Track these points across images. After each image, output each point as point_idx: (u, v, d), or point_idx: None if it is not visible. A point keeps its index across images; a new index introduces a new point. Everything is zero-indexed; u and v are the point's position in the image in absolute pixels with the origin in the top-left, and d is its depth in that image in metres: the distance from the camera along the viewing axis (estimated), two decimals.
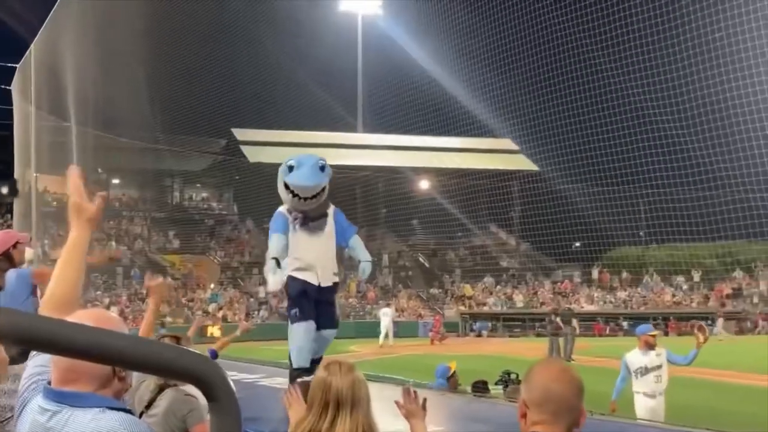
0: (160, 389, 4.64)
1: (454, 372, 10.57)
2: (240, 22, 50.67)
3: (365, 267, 7.55)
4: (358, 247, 7.78)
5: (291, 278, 7.32)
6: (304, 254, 7.39)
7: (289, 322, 7.58)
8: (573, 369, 2.47)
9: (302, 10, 50.38)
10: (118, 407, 2.08)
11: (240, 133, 49.09)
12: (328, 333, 7.59)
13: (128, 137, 45.90)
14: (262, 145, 47.49)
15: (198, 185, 57.33)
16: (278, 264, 7.21)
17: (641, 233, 49.23)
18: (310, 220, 7.55)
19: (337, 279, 7.54)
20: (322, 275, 7.37)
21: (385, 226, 50.83)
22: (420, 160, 47.02)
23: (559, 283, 47.08)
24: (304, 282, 7.31)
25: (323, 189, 7.53)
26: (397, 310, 42.17)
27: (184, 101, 46.74)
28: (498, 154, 51.01)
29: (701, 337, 8.77)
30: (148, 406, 4.60)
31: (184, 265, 45.72)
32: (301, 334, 7.34)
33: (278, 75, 50.14)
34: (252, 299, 42.93)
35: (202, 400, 4.77)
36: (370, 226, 50.01)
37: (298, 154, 8.10)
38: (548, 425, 2.27)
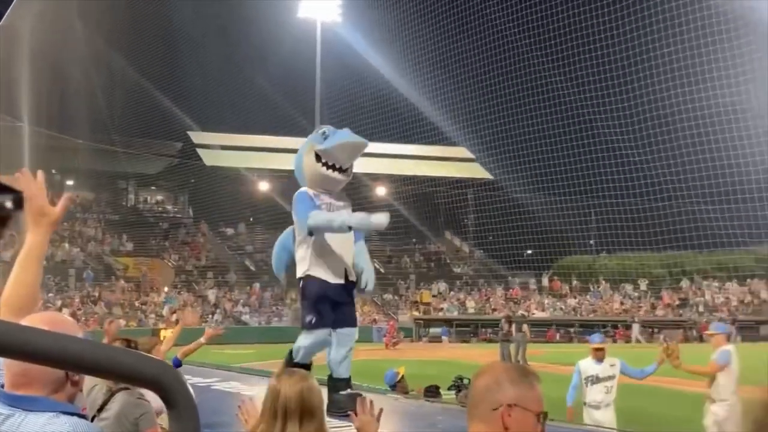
0: (112, 393, 4.57)
1: (402, 377, 10.59)
2: (198, 26, 50.31)
3: (370, 277, 6.90)
4: (364, 252, 7.03)
5: (309, 278, 6.73)
6: (326, 247, 6.72)
7: (303, 327, 6.94)
8: (501, 364, 2.40)
9: (261, 15, 50.13)
10: (72, 412, 2.05)
11: (196, 137, 48.65)
12: (349, 331, 6.97)
13: (83, 138, 45.19)
14: (219, 149, 47.13)
15: (153, 188, 56.64)
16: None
17: (591, 242, 49.90)
18: (335, 208, 6.86)
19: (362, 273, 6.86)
20: (343, 272, 6.78)
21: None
22: (376, 166, 47.06)
23: (511, 290, 47.44)
24: (324, 283, 6.70)
25: (351, 167, 6.98)
26: None
27: (140, 104, 46.23)
28: (453, 162, 51.29)
29: (665, 355, 8.70)
30: (100, 409, 4.54)
31: (138, 268, 45.10)
32: (311, 339, 6.80)
33: (236, 79, 49.87)
34: (209, 303, 42.55)
35: (155, 403, 4.72)
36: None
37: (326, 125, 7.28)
38: (469, 420, 2.22)
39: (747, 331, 42.17)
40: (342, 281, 6.77)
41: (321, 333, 6.76)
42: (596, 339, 9.81)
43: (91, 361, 1.16)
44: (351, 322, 7.01)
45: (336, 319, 6.83)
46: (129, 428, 4.48)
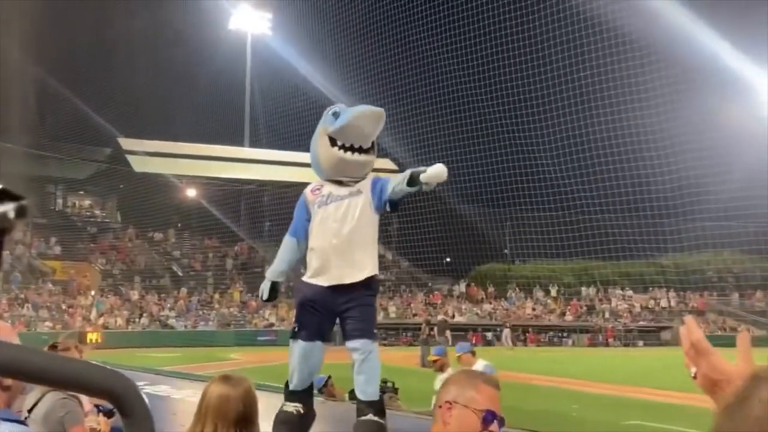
0: (44, 393, 4.49)
1: (328, 380, 10.54)
2: (131, 35, 49.33)
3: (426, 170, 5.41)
4: (398, 179, 5.51)
5: (302, 283, 5.58)
6: (322, 246, 5.49)
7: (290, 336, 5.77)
8: (458, 371, 2.53)
9: (193, 26, 49.56)
10: (11, 418, 2.01)
11: (125, 143, 47.60)
12: (352, 344, 5.45)
13: (11, 142, 43.72)
14: (148, 156, 46.23)
15: (81, 192, 55.21)
16: (274, 289, 5.61)
17: (506, 251, 50.77)
18: (336, 198, 5.53)
19: (369, 272, 5.47)
20: (349, 268, 5.42)
21: (268, 239, 50.37)
22: (304, 175, 46.86)
23: (431, 295, 47.82)
24: (314, 288, 5.48)
25: (373, 146, 5.67)
26: (277, 319, 41.83)
27: (69, 109, 45.09)
28: (379, 173, 51.42)
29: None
30: (31, 409, 4.45)
31: (66, 272, 43.85)
32: (294, 353, 5.59)
33: (168, 88, 49.13)
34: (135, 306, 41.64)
35: (81, 401, 4.62)
36: (254, 238, 49.46)
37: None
38: None
39: (648, 336, 43.54)
40: (344, 279, 5.43)
41: (304, 345, 5.57)
42: (436, 351, 9.43)
43: (45, 372, 1.16)
44: (361, 333, 5.51)
45: (344, 334, 5.59)
46: (55, 427, 4.41)
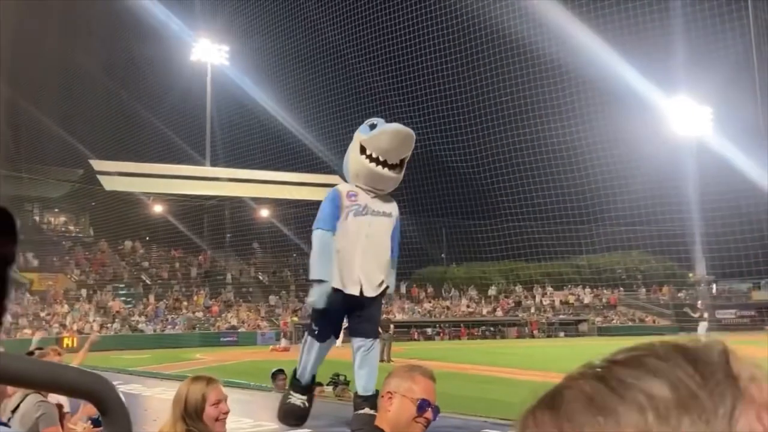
0: (26, 395, 4.39)
1: (277, 373, 10.35)
2: (101, 62, 48.52)
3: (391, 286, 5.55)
4: (393, 273, 5.61)
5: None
6: (350, 254, 5.35)
7: (307, 333, 5.70)
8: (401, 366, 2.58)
9: (160, 56, 48.96)
10: None
11: (97, 164, 46.59)
12: (357, 342, 5.59)
13: None
14: (118, 175, 45.34)
15: (56, 210, 53.87)
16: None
17: (443, 255, 51.10)
18: (371, 212, 5.37)
19: (384, 286, 5.49)
20: (368, 282, 5.38)
21: (229, 249, 49.86)
22: (260, 191, 46.44)
23: None
24: (344, 295, 5.38)
25: (401, 165, 5.41)
26: (239, 321, 41.36)
27: (44, 133, 44.11)
28: (327, 188, 51.30)
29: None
30: (15, 410, 4.34)
31: (43, 282, 42.67)
32: (311, 351, 5.58)
33: (136, 113, 48.39)
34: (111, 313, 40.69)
35: (61, 404, 4.51)
36: (216, 249, 48.87)
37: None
38: None
39: (568, 328, 44.19)
40: (366, 292, 5.45)
41: (323, 345, 5.64)
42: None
43: (31, 377, 1.14)
44: (373, 333, 5.66)
45: (350, 329, 5.67)
46: (32, 428, 4.32)
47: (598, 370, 0.47)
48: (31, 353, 4.97)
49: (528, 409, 0.49)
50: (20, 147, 43.78)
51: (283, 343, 33.49)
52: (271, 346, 33.13)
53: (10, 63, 38.21)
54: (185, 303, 43.82)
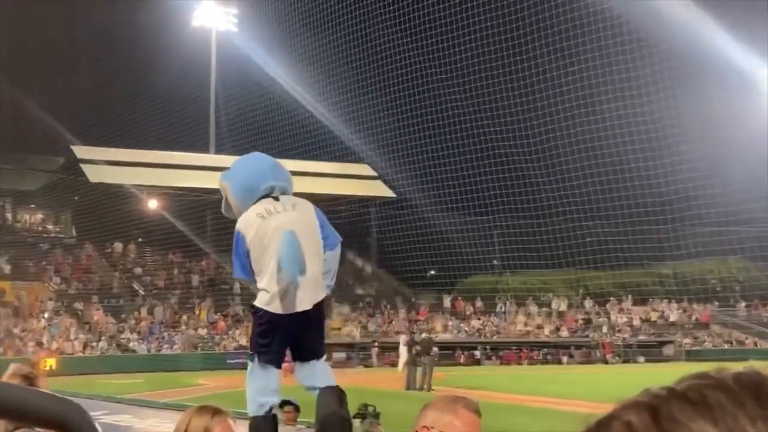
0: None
1: (284, 404, 10.32)
2: (85, 31, 49.14)
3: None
4: None
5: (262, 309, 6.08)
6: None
7: (249, 360, 6.27)
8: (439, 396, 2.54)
9: (152, 24, 49.35)
10: None
11: (80, 151, 47.23)
12: (319, 364, 6.32)
13: None
14: (105, 164, 45.93)
15: (32, 205, 54.77)
16: None
17: (495, 261, 50.87)
18: None
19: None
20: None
21: None
22: None
23: (414, 311, 47.79)
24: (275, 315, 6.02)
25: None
26: (248, 340, 41.64)
27: (17, 114, 44.79)
28: (355, 180, 51.44)
29: None
30: None
31: (16, 292, 43.43)
32: (259, 377, 6.15)
33: (126, 92, 48.90)
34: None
35: None
36: (221, 252, 49.25)
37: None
38: None
39: (649, 351, 43.69)
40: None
41: (269, 370, 6.24)
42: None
43: None
44: (320, 352, 6.50)
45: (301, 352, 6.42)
46: None
47: (654, 400, 0.48)
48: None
49: None
50: None
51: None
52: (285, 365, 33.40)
53: None
54: (185, 317, 44.29)
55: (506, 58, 39.19)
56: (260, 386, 6.07)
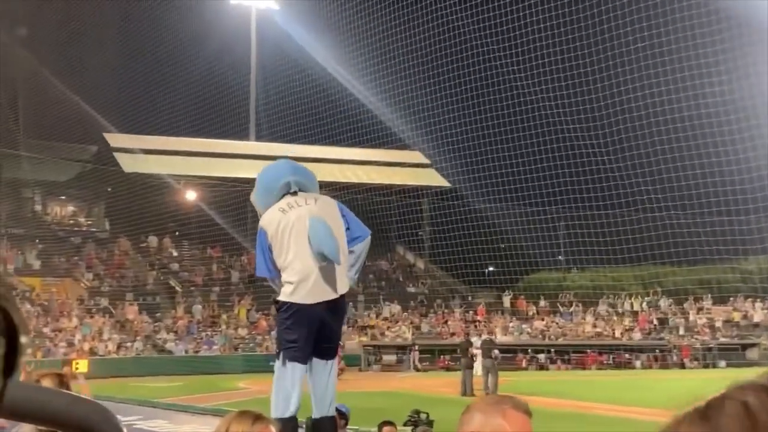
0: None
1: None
2: (118, 14, 49.83)
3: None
4: None
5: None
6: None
7: (275, 359, 6.49)
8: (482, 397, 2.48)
9: (189, 3, 49.87)
10: None
11: (114, 139, 48.00)
12: (331, 379, 6.50)
13: None
14: (140, 153, 46.58)
15: (63, 197, 55.73)
16: None
17: (560, 257, 50.49)
18: None
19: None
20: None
21: None
22: (320, 173, 46.79)
23: (472, 311, 47.66)
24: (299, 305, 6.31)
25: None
26: None
27: (48, 101, 45.54)
28: (406, 168, 51.47)
29: None
30: None
31: (46, 290, 44.31)
32: (283, 376, 6.29)
33: (160, 75, 49.41)
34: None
35: None
36: None
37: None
38: None
39: (732, 354, 43.01)
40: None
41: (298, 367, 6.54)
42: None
43: (15, 405, 1.14)
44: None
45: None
46: None
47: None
48: (38, 380, 5.13)
49: (678, 417, 0.53)
50: (19, 118, 45.46)
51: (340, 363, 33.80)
52: None
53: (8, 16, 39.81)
54: (224, 317, 44.77)
55: (572, 39, 38.77)
56: (284, 386, 6.20)
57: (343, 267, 6.27)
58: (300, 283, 6.09)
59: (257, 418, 3.01)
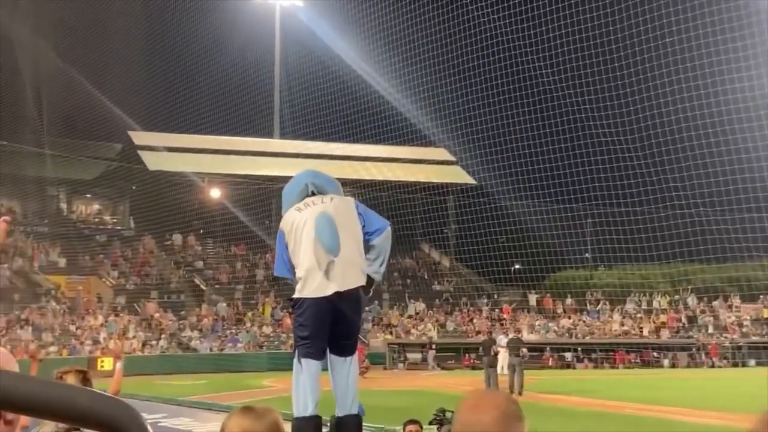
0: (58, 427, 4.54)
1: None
2: (143, 12, 50.08)
3: None
4: None
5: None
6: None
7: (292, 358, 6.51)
8: (502, 395, 2.37)
9: (213, 1, 50.03)
10: None
11: (138, 137, 48.30)
12: (351, 376, 6.48)
13: (6, 139, 44.75)
14: (165, 151, 46.84)
15: (88, 195, 56.17)
16: None
17: (587, 255, 50.24)
18: None
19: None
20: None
21: None
22: (344, 170, 47.07)
23: (497, 309, 47.55)
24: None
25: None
26: None
27: (73, 99, 45.85)
28: (431, 165, 51.43)
29: None
30: None
31: (72, 288, 44.67)
32: (301, 374, 6.33)
33: (186, 73, 49.65)
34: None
35: None
36: None
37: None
38: None
39: (762, 353, 42.67)
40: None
41: (314, 363, 6.55)
42: None
43: (41, 402, 1.17)
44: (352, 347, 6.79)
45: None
46: None
47: None
48: (60, 377, 5.17)
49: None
50: (43, 116, 45.83)
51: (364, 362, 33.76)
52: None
53: (34, 13, 40.13)
54: (250, 314, 44.95)
55: (598, 33, 38.55)
56: (302, 384, 6.22)
57: (356, 260, 6.31)
58: (308, 277, 6.14)
59: (256, 410, 2.97)
